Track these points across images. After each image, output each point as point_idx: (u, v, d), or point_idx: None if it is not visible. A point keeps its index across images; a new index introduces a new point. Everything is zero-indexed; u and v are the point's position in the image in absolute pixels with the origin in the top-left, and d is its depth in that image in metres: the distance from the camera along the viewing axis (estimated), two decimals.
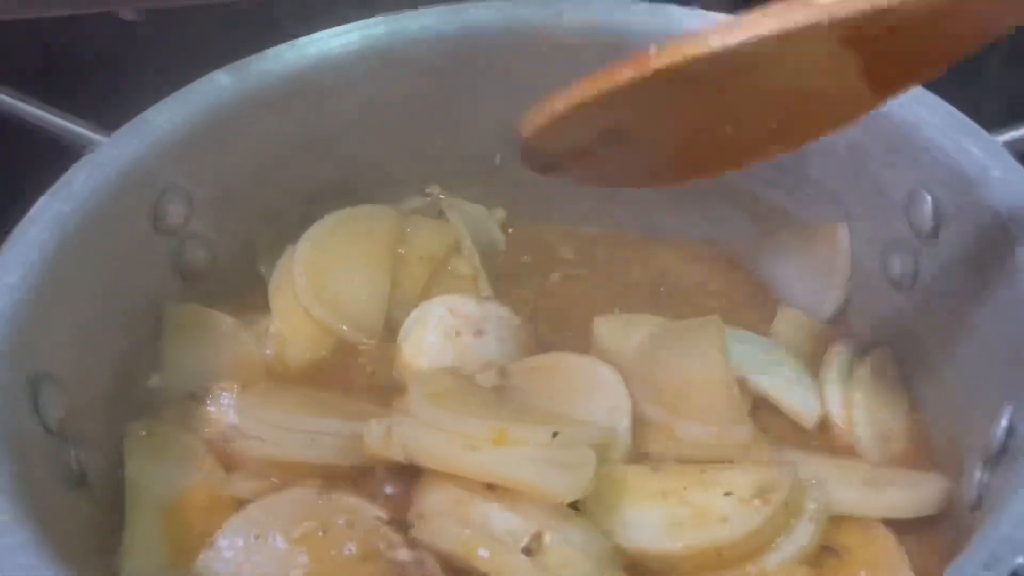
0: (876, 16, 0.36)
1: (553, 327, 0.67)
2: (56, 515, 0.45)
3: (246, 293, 0.68)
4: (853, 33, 0.38)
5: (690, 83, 0.42)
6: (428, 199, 0.75)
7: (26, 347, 0.49)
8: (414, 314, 0.63)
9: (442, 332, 0.62)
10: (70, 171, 0.56)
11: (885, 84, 0.44)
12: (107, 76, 1.03)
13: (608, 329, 0.64)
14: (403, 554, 0.52)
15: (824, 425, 0.60)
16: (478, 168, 0.75)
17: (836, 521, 0.53)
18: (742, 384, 0.59)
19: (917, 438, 0.59)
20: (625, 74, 0.42)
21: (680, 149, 0.49)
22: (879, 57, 0.40)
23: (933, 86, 0.58)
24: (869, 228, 0.63)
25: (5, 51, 1.09)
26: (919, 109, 0.58)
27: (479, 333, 0.62)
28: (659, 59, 0.41)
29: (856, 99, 0.45)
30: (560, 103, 0.46)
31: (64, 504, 0.48)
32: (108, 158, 0.58)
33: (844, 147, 0.63)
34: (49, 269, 0.52)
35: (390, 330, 0.66)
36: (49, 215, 0.53)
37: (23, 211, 0.54)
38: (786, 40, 0.38)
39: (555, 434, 0.52)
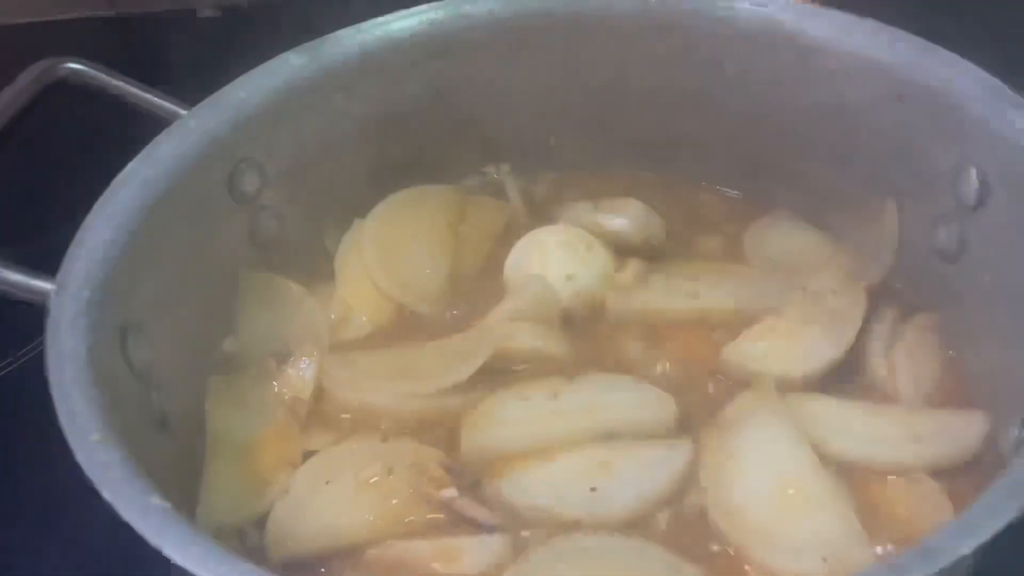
0: None
1: None
2: (141, 450, 0.49)
3: (312, 263, 0.72)
4: None
5: None
6: (485, 178, 0.79)
7: (117, 297, 0.53)
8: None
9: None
10: (155, 140, 0.60)
11: None
12: (187, 67, 1.09)
13: None
14: (450, 492, 0.55)
15: (866, 377, 0.62)
16: (532, 148, 0.78)
17: (881, 474, 0.55)
18: None
19: (957, 395, 0.60)
20: None
21: None
22: None
23: (975, 56, 0.59)
24: (916, 202, 0.64)
25: (96, 43, 1.17)
26: (964, 82, 0.59)
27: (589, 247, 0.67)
28: None
29: None
30: None
31: (148, 442, 0.52)
32: (189, 129, 0.62)
33: (891, 123, 0.64)
34: (137, 228, 0.56)
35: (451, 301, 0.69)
36: (137, 179, 0.58)
37: (111, 175, 0.58)
38: None
39: None
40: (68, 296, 0.50)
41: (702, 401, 0.62)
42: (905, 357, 0.62)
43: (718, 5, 0.70)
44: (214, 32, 1.19)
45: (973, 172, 0.58)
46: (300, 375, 0.63)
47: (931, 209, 0.63)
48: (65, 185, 0.81)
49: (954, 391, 0.61)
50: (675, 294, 0.68)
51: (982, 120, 0.57)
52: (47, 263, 0.55)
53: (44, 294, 0.51)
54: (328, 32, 0.98)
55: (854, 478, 0.56)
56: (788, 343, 0.61)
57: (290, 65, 0.67)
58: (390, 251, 0.70)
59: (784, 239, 0.72)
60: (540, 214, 0.76)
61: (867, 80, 0.65)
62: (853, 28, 0.66)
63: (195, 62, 1.10)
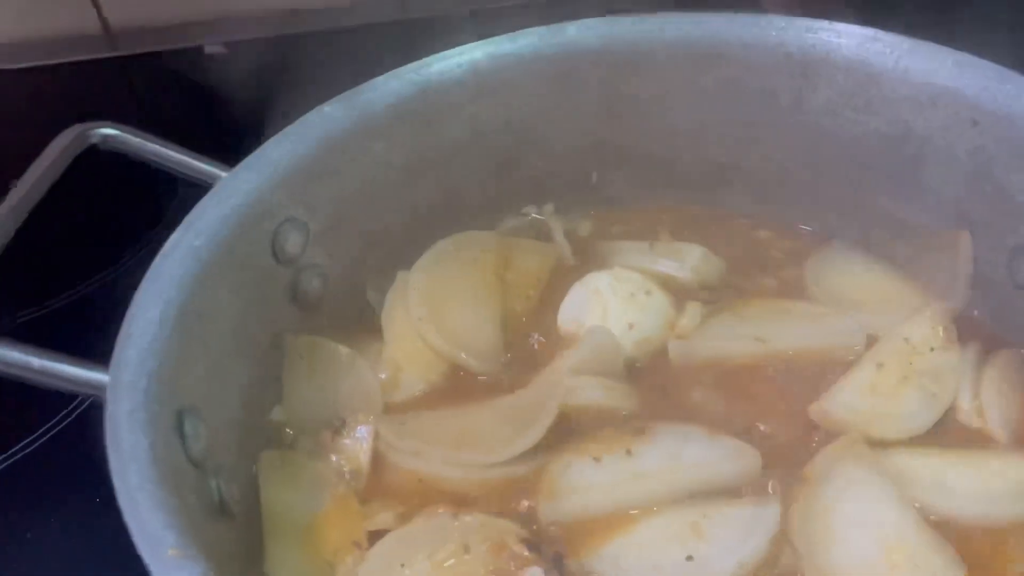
0: None
1: None
2: (208, 546, 0.46)
3: (356, 319, 0.69)
4: None
5: None
6: (525, 219, 0.76)
7: (171, 381, 0.50)
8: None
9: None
10: (198, 206, 0.57)
11: None
12: (197, 108, 1.06)
13: None
14: (534, 572, 0.52)
15: (954, 418, 0.59)
16: (574, 186, 0.75)
17: (985, 531, 0.53)
18: None
19: None
20: None
21: None
22: None
23: None
24: (994, 233, 0.62)
25: (99, 88, 1.14)
26: None
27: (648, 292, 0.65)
28: None
29: None
30: None
31: (212, 535, 0.49)
32: (231, 192, 0.59)
33: (965, 153, 0.62)
34: (185, 302, 0.53)
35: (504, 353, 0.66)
36: (183, 249, 0.55)
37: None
38: None
39: None
40: (123, 388, 0.47)
41: (778, 451, 0.59)
42: (994, 396, 0.59)
43: (768, 34, 0.67)
44: (222, 70, 1.15)
45: None
46: (357, 445, 0.60)
47: (1012, 241, 0.60)
48: (97, 246, 0.78)
49: None
50: (740, 338, 0.65)
51: None
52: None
53: (98, 386, 0.48)
54: (335, 62, 0.95)
55: (957, 537, 0.53)
56: (890, 404, 0.58)
57: (328, 117, 0.64)
58: (438, 305, 0.67)
59: (846, 273, 0.69)
60: (587, 254, 0.73)
61: (935, 106, 0.62)
62: (915, 53, 0.63)
63: (204, 101, 1.07)
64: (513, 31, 0.69)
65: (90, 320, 0.78)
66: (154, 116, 1.11)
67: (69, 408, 0.73)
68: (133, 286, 0.52)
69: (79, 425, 0.71)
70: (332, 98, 0.65)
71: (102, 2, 1.16)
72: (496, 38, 0.69)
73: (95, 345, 0.51)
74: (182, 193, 0.85)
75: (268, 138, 0.63)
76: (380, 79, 0.67)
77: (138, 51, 1.17)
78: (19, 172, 0.55)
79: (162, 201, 0.85)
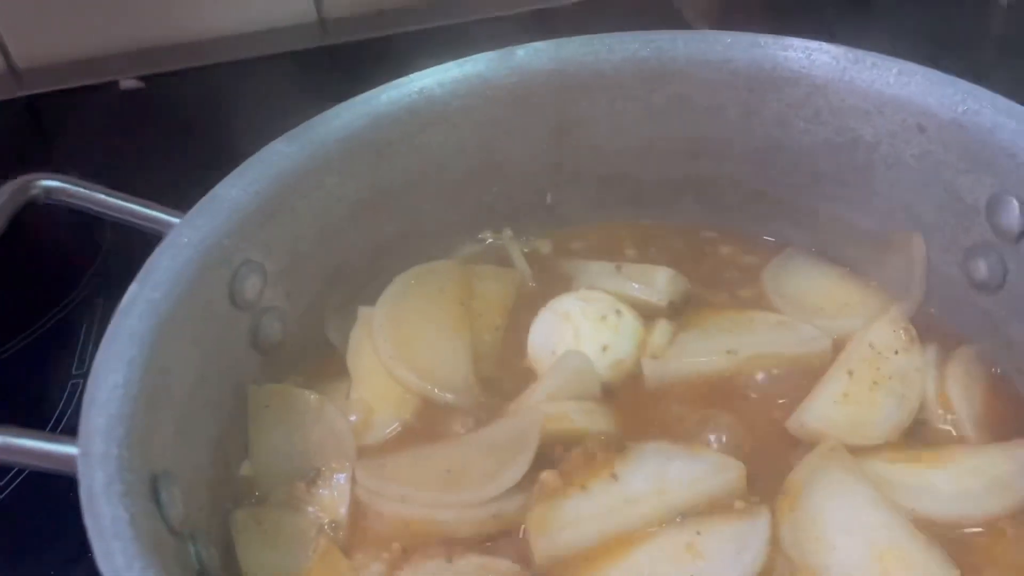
0: None
1: None
2: None
3: (319, 361, 0.66)
4: None
5: None
6: (483, 244, 0.75)
7: (142, 446, 0.47)
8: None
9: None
10: (153, 256, 0.54)
11: None
12: (113, 144, 1.01)
13: None
14: None
15: (923, 417, 0.60)
16: (530, 208, 0.75)
17: (969, 528, 0.54)
18: None
19: (1015, 418, 0.60)
20: None
21: None
22: None
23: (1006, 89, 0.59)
24: (947, 234, 0.64)
25: (7, 131, 1.07)
26: (993, 114, 0.58)
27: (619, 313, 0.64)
28: None
29: None
30: None
31: None
32: (186, 239, 0.56)
33: (912, 157, 0.63)
34: (148, 360, 0.50)
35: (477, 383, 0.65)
36: (141, 304, 0.52)
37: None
38: None
39: None
40: (96, 460, 0.44)
41: (760, 461, 0.59)
42: (959, 392, 0.61)
43: (714, 51, 0.68)
44: (139, 105, 1.11)
45: (1014, 203, 0.58)
46: (333, 494, 0.58)
47: (965, 241, 0.62)
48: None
49: (1010, 415, 0.61)
50: (712, 353, 0.65)
51: (1019, 150, 0.57)
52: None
53: (68, 461, 0.44)
54: (255, 92, 0.92)
55: (941, 537, 0.54)
56: (863, 411, 0.59)
57: (280, 154, 0.62)
58: (406, 341, 0.65)
59: (804, 278, 0.71)
60: (550, 275, 0.73)
61: (882, 114, 0.64)
62: (859, 63, 0.65)
63: (123, 139, 1.02)
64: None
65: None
66: (69, 158, 1.06)
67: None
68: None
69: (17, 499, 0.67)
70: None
71: (5, 38, 1.10)
72: (445, 64, 0.68)
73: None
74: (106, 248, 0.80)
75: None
76: (330, 112, 0.65)
77: (47, 89, 1.11)
78: None
79: (86, 253, 0.81)
